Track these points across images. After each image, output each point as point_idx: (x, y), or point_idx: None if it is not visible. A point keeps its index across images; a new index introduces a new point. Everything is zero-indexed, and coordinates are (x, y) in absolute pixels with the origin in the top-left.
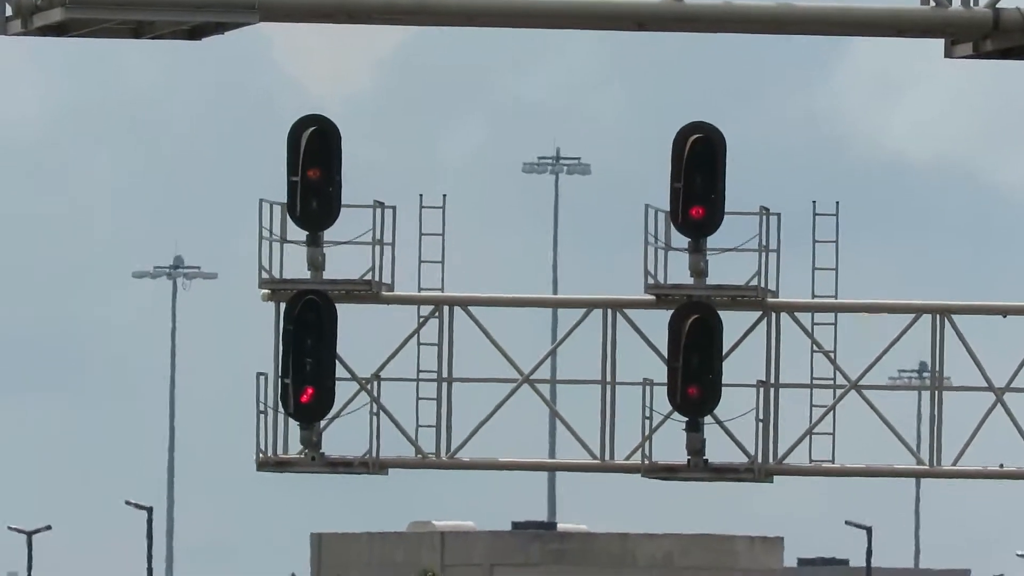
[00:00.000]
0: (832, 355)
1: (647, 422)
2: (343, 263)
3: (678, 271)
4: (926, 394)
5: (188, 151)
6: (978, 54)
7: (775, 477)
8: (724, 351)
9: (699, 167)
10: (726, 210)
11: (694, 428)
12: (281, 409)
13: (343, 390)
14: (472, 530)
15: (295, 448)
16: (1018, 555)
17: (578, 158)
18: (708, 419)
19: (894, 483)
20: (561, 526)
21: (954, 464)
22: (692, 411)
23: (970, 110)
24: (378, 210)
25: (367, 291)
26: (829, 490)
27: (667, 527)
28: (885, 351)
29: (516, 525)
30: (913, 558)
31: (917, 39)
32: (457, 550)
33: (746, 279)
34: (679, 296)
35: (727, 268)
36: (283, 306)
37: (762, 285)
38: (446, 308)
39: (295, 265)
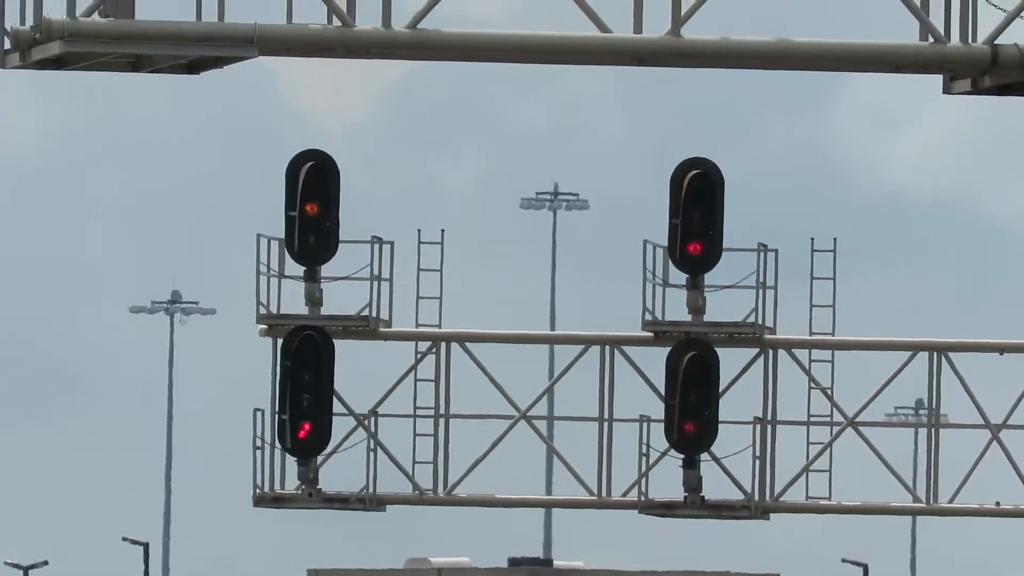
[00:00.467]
0: (829, 392)
1: (644, 459)
2: (341, 298)
3: (676, 307)
4: (923, 431)
5: (186, 185)
6: (976, 90)
7: (772, 514)
8: (721, 388)
9: (697, 203)
10: (724, 246)
11: (691, 465)
12: (278, 445)
13: (340, 426)
14: (468, 566)
15: (292, 484)
16: None
17: (576, 194)
18: (705, 456)
19: (891, 520)
20: (557, 563)
21: (950, 502)
22: (689, 448)
23: (969, 144)
24: (376, 245)
25: (365, 327)
26: (825, 527)
27: (663, 564)
28: (882, 388)
29: (512, 561)
30: None
31: (916, 75)
32: None
33: (743, 315)
34: (677, 333)
35: (725, 304)
36: (280, 342)
37: (759, 322)
38: (443, 344)
39: (293, 300)
